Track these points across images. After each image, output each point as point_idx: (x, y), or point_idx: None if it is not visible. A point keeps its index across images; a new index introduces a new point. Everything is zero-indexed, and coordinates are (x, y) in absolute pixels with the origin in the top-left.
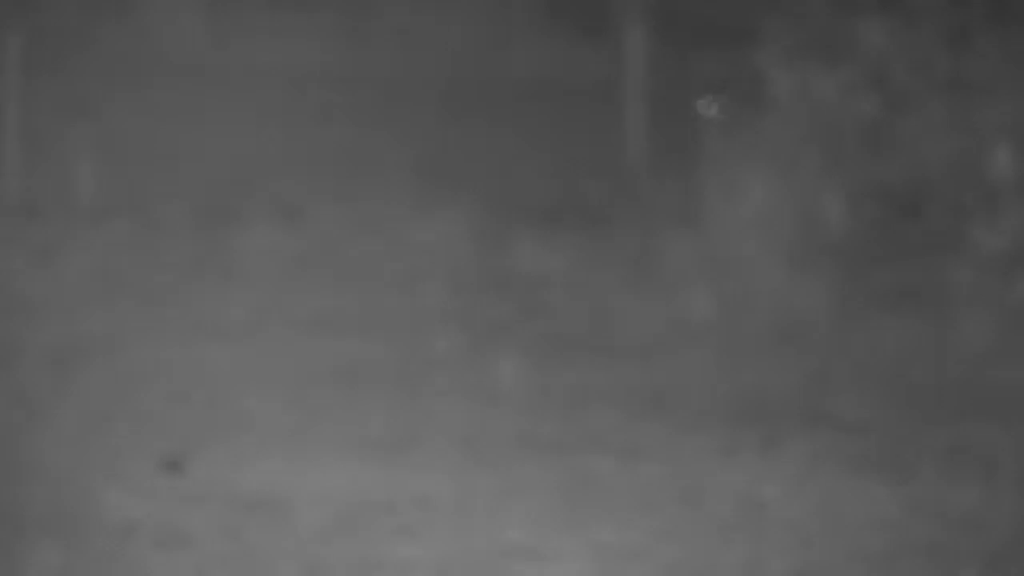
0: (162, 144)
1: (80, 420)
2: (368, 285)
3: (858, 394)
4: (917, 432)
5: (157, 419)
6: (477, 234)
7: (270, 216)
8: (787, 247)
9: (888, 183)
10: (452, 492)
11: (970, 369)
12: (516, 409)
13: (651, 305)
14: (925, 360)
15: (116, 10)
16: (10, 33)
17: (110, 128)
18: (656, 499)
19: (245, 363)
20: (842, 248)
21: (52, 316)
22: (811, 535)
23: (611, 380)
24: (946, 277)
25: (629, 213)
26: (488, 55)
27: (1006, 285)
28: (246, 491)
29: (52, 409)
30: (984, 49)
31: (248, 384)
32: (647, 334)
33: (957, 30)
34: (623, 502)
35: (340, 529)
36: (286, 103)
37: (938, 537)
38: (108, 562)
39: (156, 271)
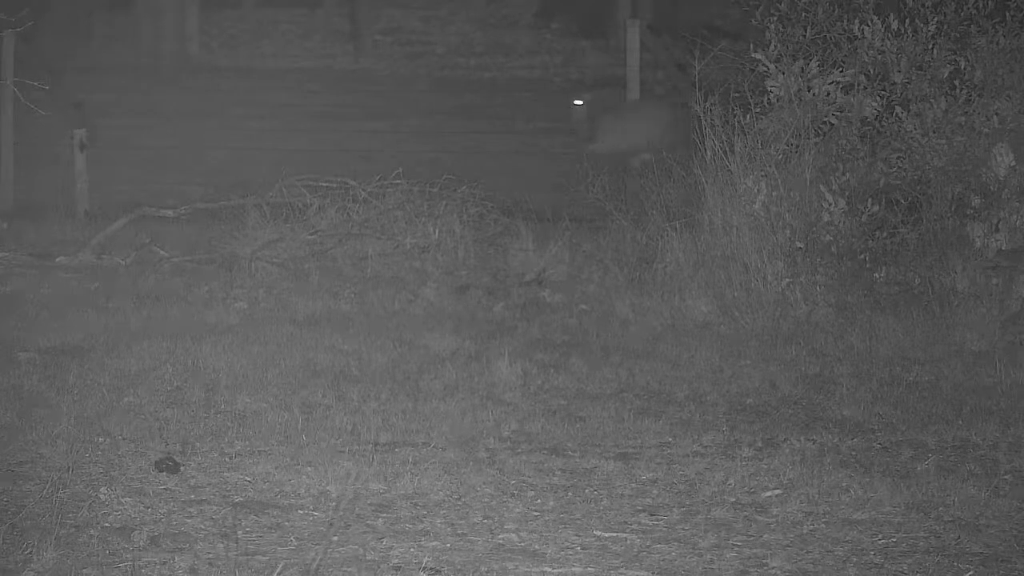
0: (162, 143)
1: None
2: (368, 285)
3: (858, 394)
4: (917, 432)
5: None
6: (477, 234)
7: (270, 215)
8: (787, 247)
9: (888, 183)
10: (450, 492)
11: (970, 369)
12: (515, 409)
13: (651, 305)
14: (925, 360)
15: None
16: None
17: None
18: (655, 499)
19: (244, 362)
20: (842, 248)
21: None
22: (811, 535)
23: (610, 380)
24: (946, 277)
25: (629, 213)
26: (488, 55)
27: (1006, 285)
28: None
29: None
30: (984, 49)
31: (246, 383)
32: (647, 334)
33: (957, 30)
34: (622, 502)
35: (337, 529)
36: (286, 103)
37: (938, 537)
38: (105, 562)
39: (156, 270)
